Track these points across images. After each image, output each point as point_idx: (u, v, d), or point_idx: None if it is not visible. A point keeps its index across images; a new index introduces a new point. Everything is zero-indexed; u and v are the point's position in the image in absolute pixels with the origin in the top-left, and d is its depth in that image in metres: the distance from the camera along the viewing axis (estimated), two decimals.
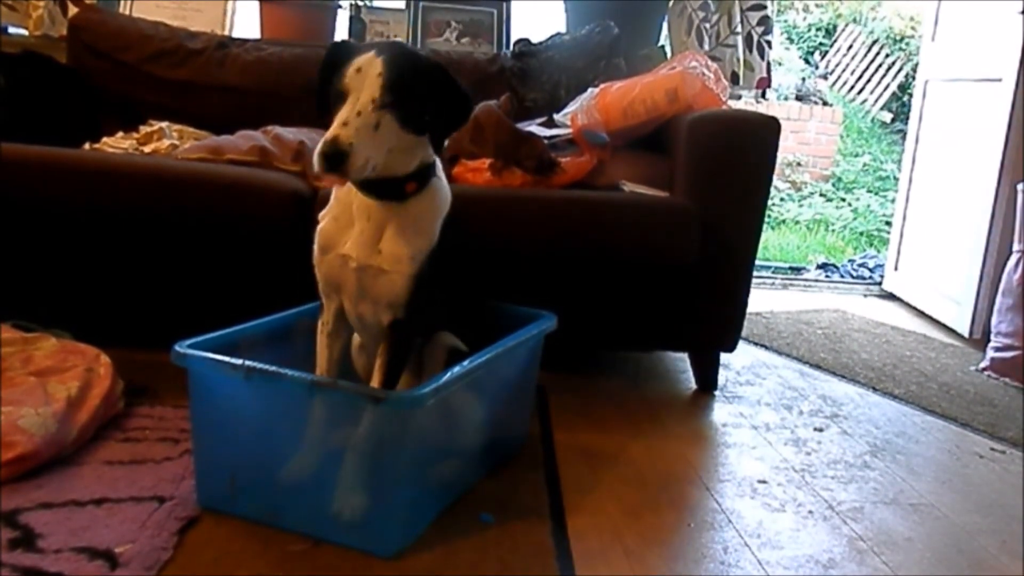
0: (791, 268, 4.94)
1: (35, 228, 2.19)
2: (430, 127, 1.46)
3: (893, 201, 5.44)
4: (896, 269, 4.13)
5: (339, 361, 1.67)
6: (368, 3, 3.54)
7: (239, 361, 1.43)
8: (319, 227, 1.56)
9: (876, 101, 8.29)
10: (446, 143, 1.58)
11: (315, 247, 1.56)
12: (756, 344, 3.05)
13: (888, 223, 5.80)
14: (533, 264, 2.21)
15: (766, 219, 2.51)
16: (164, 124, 2.65)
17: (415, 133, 1.43)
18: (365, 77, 1.36)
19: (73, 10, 3.15)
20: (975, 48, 3.60)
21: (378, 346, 1.57)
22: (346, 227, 1.52)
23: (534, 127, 2.56)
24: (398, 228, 1.50)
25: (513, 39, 3.20)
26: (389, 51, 1.40)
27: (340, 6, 3.45)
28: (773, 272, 4.68)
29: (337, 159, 1.32)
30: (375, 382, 1.54)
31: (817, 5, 9.01)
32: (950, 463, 2.15)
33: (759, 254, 2.42)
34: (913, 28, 8.28)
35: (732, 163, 2.28)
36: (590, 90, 2.60)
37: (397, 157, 1.44)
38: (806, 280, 4.54)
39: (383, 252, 1.49)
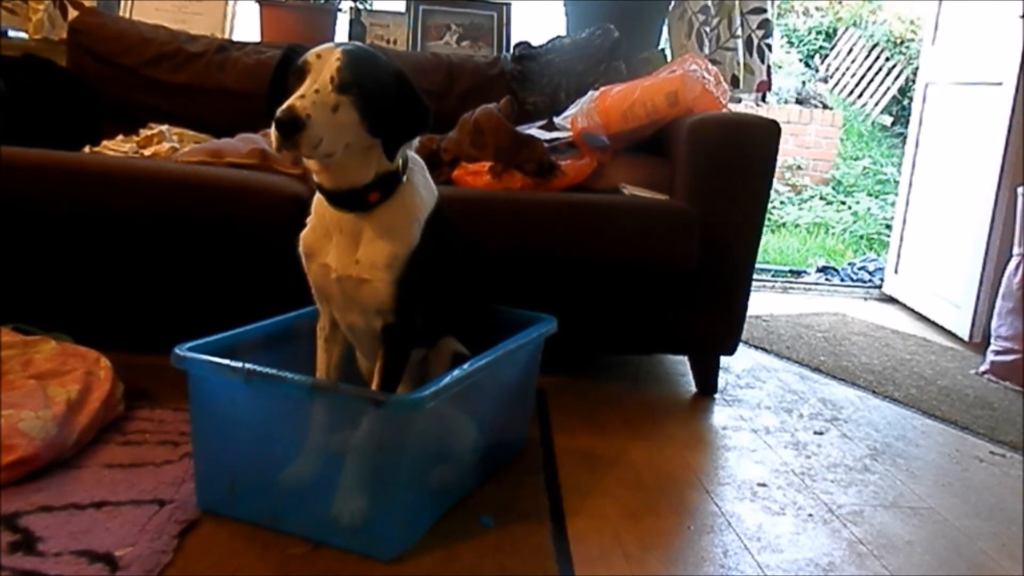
0: (791, 271, 4.95)
1: (35, 231, 2.19)
2: (385, 130, 1.42)
3: (893, 204, 5.45)
4: (896, 272, 4.13)
5: (339, 365, 1.67)
6: (368, 6, 3.54)
7: (239, 364, 1.43)
8: (301, 235, 1.56)
9: (876, 104, 8.30)
10: (411, 149, 1.54)
11: (301, 256, 1.56)
12: (756, 347, 3.05)
13: (888, 226, 5.81)
14: (533, 267, 2.21)
15: (766, 222, 2.52)
16: (164, 127, 2.65)
17: (371, 132, 1.40)
18: (325, 61, 1.35)
19: (73, 13, 3.16)
20: (975, 52, 3.61)
21: (374, 354, 1.57)
22: (324, 236, 1.52)
23: (534, 130, 2.56)
24: (372, 236, 1.48)
25: (513, 42, 3.20)
26: (351, 45, 1.41)
27: (340, 9, 3.45)
28: (773, 275, 4.68)
29: (292, 126, 1.30)
30: (373, 388, 1.54)
31: (817, 8, 9.02)
32: (950, 466, 2.15)
33: (759, 257, 2.43)
34: (913, 32, 8.29)
35: (732, 166, 2.29)
36: (590, 93, 2.61)
37: (353, 160, 1.42)
38: (806, 283, 4.54)
39: (360, 261, 1.48)
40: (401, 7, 3.47)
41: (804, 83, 8.39)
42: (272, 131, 1.32)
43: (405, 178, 1.51)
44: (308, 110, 1.31)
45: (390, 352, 1.53)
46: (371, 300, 1.50)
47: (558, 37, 3.10)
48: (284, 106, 1.31)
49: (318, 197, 1.53)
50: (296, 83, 1.35)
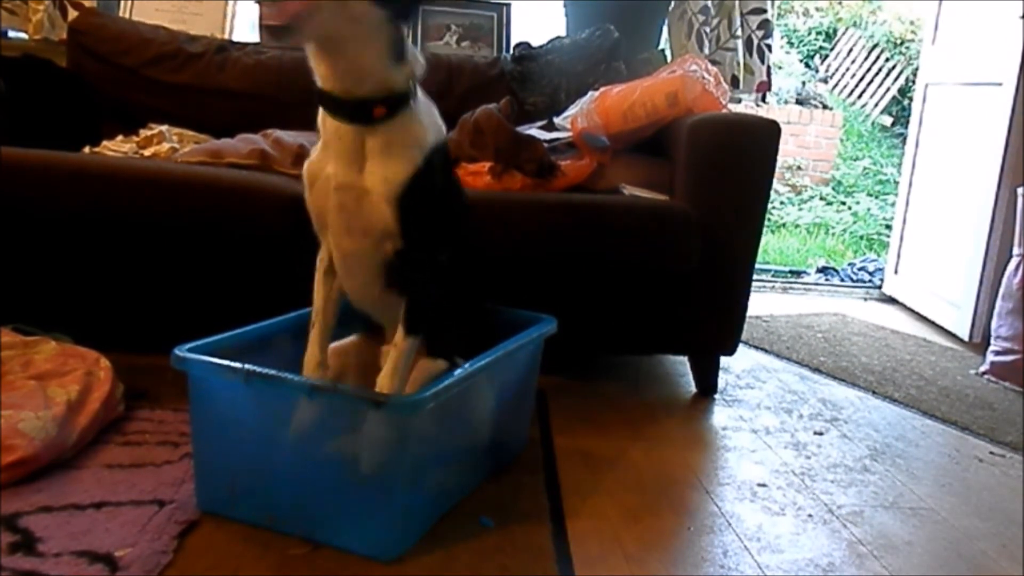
0: (791, 272, 4.95)
1: (35, 231, 2.19)
2: None
3: (893, 205, 5.45)
4: (896, 273, 4.13)
5: (337, 301, 1.61)
6: None
7: (239, 365, 1.43)
8: (305, 165, 1.51)
9: (876, 105, 8.31)
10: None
11: (304, 185, 1.51)
12: (756, 348, 3.05)
13: (888, 227, 5.81)
14: (533, 267, 2.21)
15: (766, 223, 2.52)
16: (164, 128, 2.66)
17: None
18: None
19: (73, 14, 3.16)
20: (975, 52, 3.61)
21: (370, 297, 1.53)
22: (327, 161, 1.47)
23: (534, 130, 2.56)
24: (374, 150, 1.43)
25: (513, 43, 3.21)
26: None
27: None
28: (773, 276, 4.68)
29: None
30: (397, 338, 1.50)
31: (817, 9, 9.03)
32: (950, 467, 2.15)
33: (759, 258, 2.43)
34: (913, 32, 8.30)
35: (732, 167, 2.29)
36: (590, 93, 2.61)
37: (361, 56, 1.37)
38: (806, 284, 4.54)
39: (364, 172, 1.43)
40: None
41: (804, 83, 8.40)
42: None
43: (413, 104, 1.46)
44: None
45: (412, 288, 1.49)
46: (373, 217, 1.45)
47: (558, 37, 3.10)
48: None
49: (322, 117, 1.47)
50: None
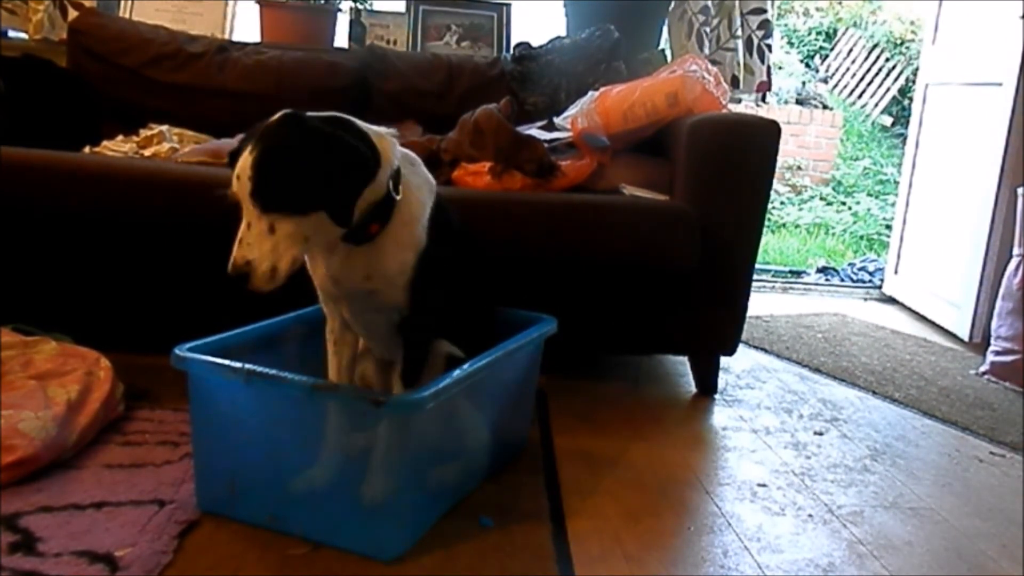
0: (791, 272, 4.95)
1: (35, 231, 2.19)
2: (330, 202, 1.32)
3: (893, 205, 5.45)
4: (896, 273, 4.13)
5: (350, 367, 1.66)
6: (368, 6, 3.54)
7: (239, 364, 1.43)
8: None
9: (876, 105, 8.31)
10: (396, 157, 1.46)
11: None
12: (756, 348, 3.05)
13: (888, 227, 5.81)
14: (533, 267, 2.21)
15: (766, 223, 2.52)
16: (164, 128, 2.66)
17: (318, 211, 1.32)
18: (242, 185, 1.30)
19: (73, 14, 3.16)
20: (975, 52, 3.61)
21: (391, 343, 1.57)
22: (319, 253, 1.49)
23: (534, 130, 2.56)
24: (379, 251, 1.46)
25: (513, 43, 3.21)
26: (262, 142, 1.30)
27: (340, 10, 3.45)
28: (773, 276, 4.68)
29: (242, 280, 1.30)
30: (395, 389, 1.55)
31: (817, 9, 9.03)
32: (950, 467, 2.15)
33: (759, 258, 2.43)
34: (913, 32, 8.30)
35: (732, 167, 2.29)
36: (590, 94, 2.61)
37: (327, 231, 1.36)
38: (806, 284, 4.54)
39: (371, 276, 1.47)
40: (401, 7, 3.47)
41: (804, 83, 8.40)
42: None
43: (400, 194, 1.45)
44: (246, 255, 1.30)
45: (410, 345, 1.54)
46: (386, 303, 1.51)
47: (558, 37, 3.10)
48: (230, 262, 1.30)
49: None
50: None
